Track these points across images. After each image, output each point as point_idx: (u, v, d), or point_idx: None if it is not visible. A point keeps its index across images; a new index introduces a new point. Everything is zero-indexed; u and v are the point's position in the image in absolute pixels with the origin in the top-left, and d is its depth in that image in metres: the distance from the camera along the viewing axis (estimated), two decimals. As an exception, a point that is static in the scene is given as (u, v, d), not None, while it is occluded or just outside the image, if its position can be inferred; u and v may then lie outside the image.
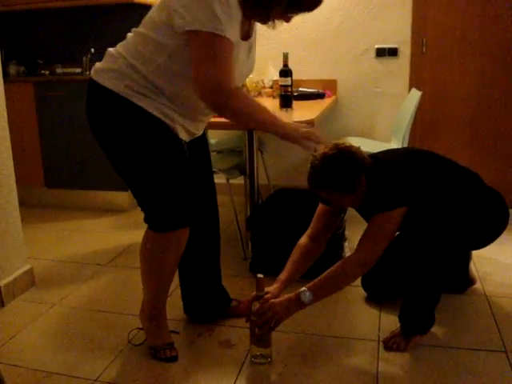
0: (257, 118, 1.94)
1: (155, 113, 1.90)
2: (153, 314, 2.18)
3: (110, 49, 1.98)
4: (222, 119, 2.01)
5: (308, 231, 2.32)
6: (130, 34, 1.97)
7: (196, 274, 2.37)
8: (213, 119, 2.19)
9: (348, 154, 2.04)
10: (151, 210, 2.04)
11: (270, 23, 1.88)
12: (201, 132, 2.18)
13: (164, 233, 2.03)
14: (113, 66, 1.92)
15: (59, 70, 4.58)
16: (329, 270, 2.11)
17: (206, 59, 1.76)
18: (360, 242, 2.12)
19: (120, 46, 1.96)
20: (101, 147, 2.04)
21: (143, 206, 2.06)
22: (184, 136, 2.02)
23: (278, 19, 1.87)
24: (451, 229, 2.13)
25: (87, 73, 4.49)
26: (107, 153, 2.03)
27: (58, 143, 4.19)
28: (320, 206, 2.33)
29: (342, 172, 2.02)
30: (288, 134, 1.96)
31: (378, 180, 2.12)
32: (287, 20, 1.89)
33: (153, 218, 2.04)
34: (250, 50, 2.01)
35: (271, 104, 2.75)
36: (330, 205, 2.22)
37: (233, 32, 1.79)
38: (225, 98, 1.81)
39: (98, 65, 1.98)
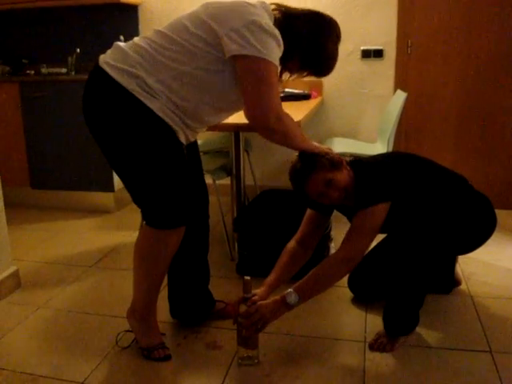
0: (296, 141, 2.07)
1: (159, 113, 1.89)
2: (144, 314, 2.18)
3: (122, 44, 1.96)
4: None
5: (296, 236, 2.33)
6: (152, 34, 1.95)
7: (186, 275, 2.37)
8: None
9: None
10: (150, 207, 2.04)
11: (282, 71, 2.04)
12: (194, 139, 2.20)
13: (161, 230, 2.04)
14: (126, 61, 1.89)
15: (44, 70, 4.55)
16: (314, 269, 2.11)
17: (262, 85, 1.84)
18: (344, 239, 2.13)
19: (139, 40, 1.93)
20: (95, 139, 2.02)
21: (141, 203, 2.06)
22: (183, 140, 2.02)
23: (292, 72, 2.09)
24: (437, 232, 2.14)
25: (72, 73, 4.48)
26: (103, 146, 2.01)
27: (43, 144, 4.17)
28: (308, 212, 2.34)
29: (318, 155, 2.10)
30: (312, 151, 2.12)
31: (361, 177, 2.14)
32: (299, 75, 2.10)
33: (151, 215, 2.05)
34: None
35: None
36: (322, 200, 2.20)
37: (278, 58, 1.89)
38: (280, 125, 1.93)
39: (108, 55, 1.95)
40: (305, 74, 2.10)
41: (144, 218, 2.08)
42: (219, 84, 1.91)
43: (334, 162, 2.10)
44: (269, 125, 1.90)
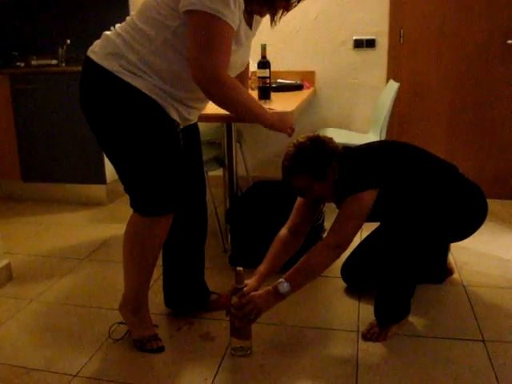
0: (246, 109, 1.99)
1: (146, 91, 1.89)
2: (135, 305, 2.17)
3: (107, 32, 1.98)
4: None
5: (287, 224, 2.33)
6: (129, 17, 1.97)
7: (181, 264, 2.36)
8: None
9: (319, 144, 2.15)
10: (138, 194, 2.03)
11: (273, 13, 1.94)
12: (194, 119, 2.17)
13: (149, 217, 2.03)
14: (110, 45, 1.91)
15: (35, 62, 4.52)
16: (303, 257, 2.11)
17: (205, 42, 1.77)
18: (332, 225, 2.13)
19: (118, 27, 1.96)
20: (91, 128, 2.02)
21: (130, 189, 2.05)
22: (176, 117, 2.00)
23: (280, 7, 1.93)
24: (427, 220, 2.15)
25: (63, 64, 4.45)
26: (97, 134, 2.01)
27: (34, 136, 4.14)
28: (299, 199, 2.34)
29: (313, 157, 2.12)
30: (274, 125, 2.07)
31: (349, 165, 2.16)
32: (288, 7, 1.94)
33: (139, 202, 2.04)
34: (249, 39, 2.03)
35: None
36: (305, 195, 2.22)
37: (236, 18, 1.80)
38: (217, 86, 1.83)
39: (95, 44, 1.98)
40: (276, 11, 1.95)
41: (132, 205, 2.06)
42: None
43: (319, 173, 2.13)
44: (201, 83, 1.83)
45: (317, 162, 2.12)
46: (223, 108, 1.98)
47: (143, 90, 1.89)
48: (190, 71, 1.85)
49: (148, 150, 1.95)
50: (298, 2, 1.94)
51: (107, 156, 2.05)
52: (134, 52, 1.88)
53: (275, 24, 1.99)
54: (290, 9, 1.96)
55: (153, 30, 1.86)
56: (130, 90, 1.88)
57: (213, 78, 1.81)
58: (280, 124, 2.09)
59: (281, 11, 1.96)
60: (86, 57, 1.97)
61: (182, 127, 2.07)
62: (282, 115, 2.13)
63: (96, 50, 1.94)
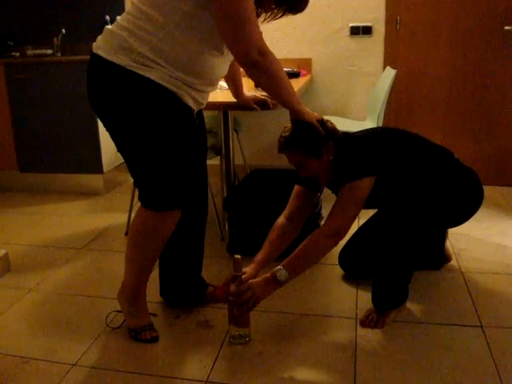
0: (285, 85, 2.00)
1: (160, 81, 1.86)
2: (133, 295, 2.17)
3: (109, 26, 1.94)
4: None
5: (285, 211, 2.32)
6: (130, 7, 1.92)
7: (179, 256, 2.35)
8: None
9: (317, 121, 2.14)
10: (149, 187, 2.01)
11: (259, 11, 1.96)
12: (205, 103, 2.15)
13: (157, 212, 2.02)
14: (116, 40, 1.87)
15: (30, 52, 4.50)
16: (301, 244, 2.11)
17: (239, 20, 1.78)
18: (329, 213, 2.12)
19: (121, 19, 1.91)
20: (104, 124, 2.00)
21: (140, 183, 2.04)
22: (192, 104, 1.99)
23: (267, 11, 1.99)
24: (423, 205, 2.15)
25: (58, 54, 4.42)
26: (113, 130, 1.99)
27: (30, 126, 4.13)
28: (296, 187, 2.34)
29: (308, 132, 2.10)
30: (301, 111, 2.07)
31: (346, 151, 2.15)
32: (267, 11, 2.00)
33: (148, 196, 2.03)
34: None
35: (246, 83, 2.74)
36: (298, 171, 2.21)
37: None
38: (264, 58, 1.86)
39: (99, 40, 1.94)
40: (280, 13, 2.02)
41: (140, 198, 2.05)
42: (202, 26, 1.85)
43: (314, 149, 2.12)
44: (252, 58, 1.84)
45: (312, 137, 2.10)
46: (266, 83, 1.98)
47: (158, 81, 1.86)
48: (201, 55, 1.86)
49: (167, 141, 1.93)
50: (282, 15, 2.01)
51: (120, 150, 2.02)
52: (143, 43, 1.84)
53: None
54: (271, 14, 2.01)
55: (162, 16, 1.82)
56: (144, 82, 1.85)
57: (259, 50, 1.83)
58: (307, 112, 2.09)
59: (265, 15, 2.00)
60: (92, 54, 1.92)
61: (196, 111, 2.06)
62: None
63: (102, 46, 1.90)
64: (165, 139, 1.93)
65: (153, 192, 2.01)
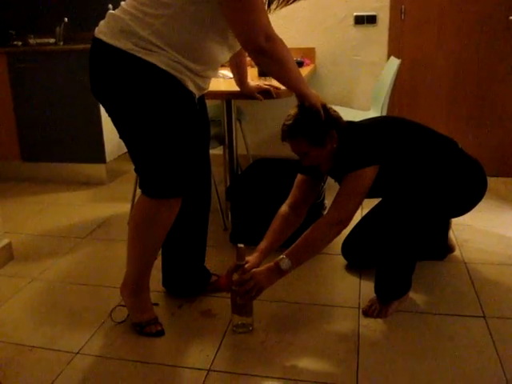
0: (294, 70, 1.98)
1: (162, 66, 1.85)
2: (136, 288, 2.16)
3: (111, 11, 1.93)
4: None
5: (288, 200, 2.32)
6: None
7: (182, 246, 2.35)
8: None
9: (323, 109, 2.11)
10: (150, 174, 2.00)
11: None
12: (207, 88, 2.13)
13: (157, 199, 2.01)
14: (118, 24, 1.86)
15: (32, 41, 4.48)
16: (304, 233, 2.11)
17: (246, 6, 1.77)
18: (333, 202, 2.12)
19: (124, 4, 1.90)
20: (106, 110, 1.99)
21: (141, 169, 2.02)
22: (193, 89, 1.97)
23: None
24: (426, 195, 2.14)
25: (61, 43, 4.40)
26: (114, 115, 1.98)
27: (33, 116, 4.12)
28: (299, 176, 2.33)
29: (312, 120, 2.07)
30: (308, 95, 2.04)
31: (350, 140, 2.14)
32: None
33: (148, 183, 2.01)
34: None
35: (250, 73, 2.73)
36: (301, 159, 2.19)
37: None
38: (272, 43, 1.85)
39: (101, 25, 1.93)
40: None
41: (140, 186, 2.04)
42: (208, 11, 1.84)
43: (317, 137, 2.09)
44: (260, 45, 1.83)
45: (316, 125, 2.08)
46: (274, 70, 1.97)
47: (159, 65, 1.85)
48: (202, 39, 1.85)
49: (168, 125, 1.92)
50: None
51: (122, 137, 2.01)
52: (146, 27, 1.82)
53: (269, 12, 1.98)
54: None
55: (163, 1, 1.81)
56: (146, 66, 1.84)
57: (267, 37, 1.82)
58: (314, 96, 2.07)
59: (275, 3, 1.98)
60: (94, 38, 1.91)
61: (197, 97, 2.04)
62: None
63: (104, 30, 1.89)
64: (165, 123, 1.92)
65: (153, 178, 2.00)
